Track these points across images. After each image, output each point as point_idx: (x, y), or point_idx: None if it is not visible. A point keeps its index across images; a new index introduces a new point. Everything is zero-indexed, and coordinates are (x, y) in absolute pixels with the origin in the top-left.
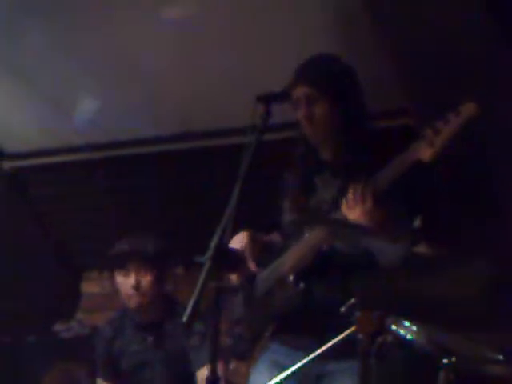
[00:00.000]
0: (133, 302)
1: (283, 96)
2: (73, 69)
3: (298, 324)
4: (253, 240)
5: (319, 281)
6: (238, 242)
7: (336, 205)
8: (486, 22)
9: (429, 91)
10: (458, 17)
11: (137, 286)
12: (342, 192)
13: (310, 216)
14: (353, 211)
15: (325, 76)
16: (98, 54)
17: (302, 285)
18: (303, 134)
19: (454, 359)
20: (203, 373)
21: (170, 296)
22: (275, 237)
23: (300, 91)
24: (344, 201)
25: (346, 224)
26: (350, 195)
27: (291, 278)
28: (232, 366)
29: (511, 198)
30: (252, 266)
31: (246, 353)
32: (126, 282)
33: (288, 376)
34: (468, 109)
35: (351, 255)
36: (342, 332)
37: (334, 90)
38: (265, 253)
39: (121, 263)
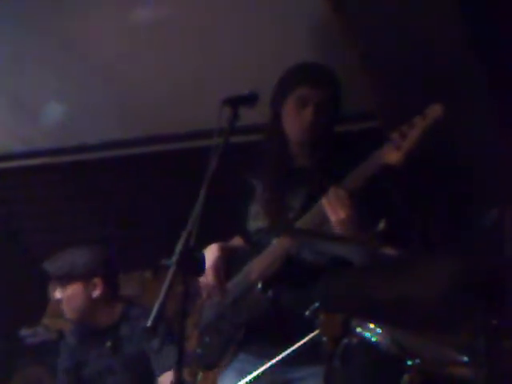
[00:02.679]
0: (64, 315)
1: (251, 99)
2: (39, 71)
3: (265, 333)
4: (223, 251)
5: (287, 289)
6: (211, 253)
7: (303, 212)
8: (458, 27)
9: (398, 94)
10: (431, 21)
11: (59, 301)
12: (309, 201)
13: (277, 225)
14: (335, 213)
15: (336, 84)
16: (63, 56)
17: (269, 293)
18: (283, 138)
19: (418, 361)
20: (166, 378)
21: (125, 299)
22: (237, 241)
23: (312, 93)
24: (326, 201)
25: (311, 232)
26: (332, 196)
27: (259, 286)
28: (200, 376)
29: (481, 196)
30: (223, 285)
31: (214, 362)
32: (57, 297)
33: (251, 381)
34: (433, 111)
35: (318, 263)
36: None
37: (339, 94)
38: (232, 261)
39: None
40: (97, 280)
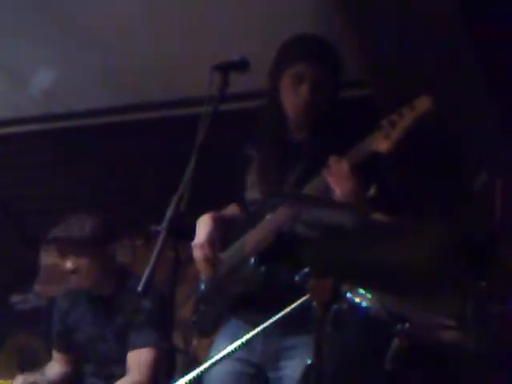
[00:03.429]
0: (74, 285)
1: (241, 65)
2: (27, 39)
3: (257, 302)
4: (217, 222)
5: (280, 263)
6: (204, 226)
7: (298, 187)
8: (457, 14)
9: (391, 62)
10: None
11: (74, 270)
12: (305, 176)
13: (270, 192)
14: (339, 185)
15: (335, 60)
16: (51, 25)
17: (262, 268)
18: (281, 111)
19: (407, 326)
20: (134, 355)
21: (122, 268)
22: (234, 210)
23: (309, 70)
24: (327, 172)
25: (302, 196)
26: (334, 169)
27: (252, 260)
28: (195, 342)
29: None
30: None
31: (210, 330)
32: (64, 265)
33: (241, 346)
34: (422, 103)
35: (312, 237)
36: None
37: (339, 68)
38: (228, 231)
39: (57, 248)
40: (109, 247)
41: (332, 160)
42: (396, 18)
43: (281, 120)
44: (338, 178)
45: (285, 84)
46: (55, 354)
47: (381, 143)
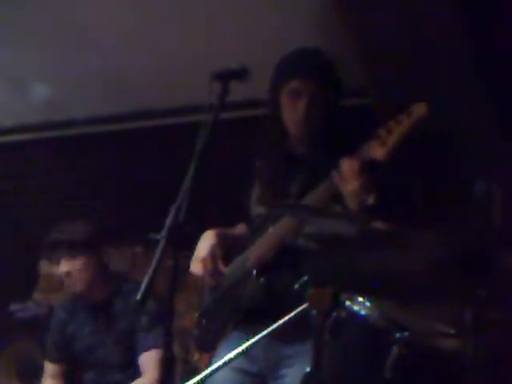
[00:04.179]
0: (67, 287)
1: (241, 73)
2: (27, 46)
3: (260, 316)
4: (220, 238)
5: (282, 275)
6: (207, 240)
7: (301, 199)
8: (453, 16)
9: (389, 73)
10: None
11: (68, 273)
12: (308, 186)
13: (272, 203)
14: (349, 184)
15: (332, 73)
16: (51, 32)
17: (262, 279)
18: (282, 126)
19: (406, 334)
20: (147, 358)
21: (119, 274)
22: (242, 228)
23: (304, 86)
24: (337, 174)
25: (302, 207)
26: (345, 167)
27: (254, 272)
28: (196, 356)
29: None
30: (221, 267)
31: (210, 346)
32: (58, 270)
33: (240, 354)
34: (419, 109)
35: (313, 250)
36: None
37: (337, 92)
38: (233, 248)
39: (51, 253)
40: (103, 251)
41: (343, 160)
42: (396, 27)
43: (282, 133)
44: (347, 176)
45: (283, 100)
46: (49, 366)
47: (377, 151)
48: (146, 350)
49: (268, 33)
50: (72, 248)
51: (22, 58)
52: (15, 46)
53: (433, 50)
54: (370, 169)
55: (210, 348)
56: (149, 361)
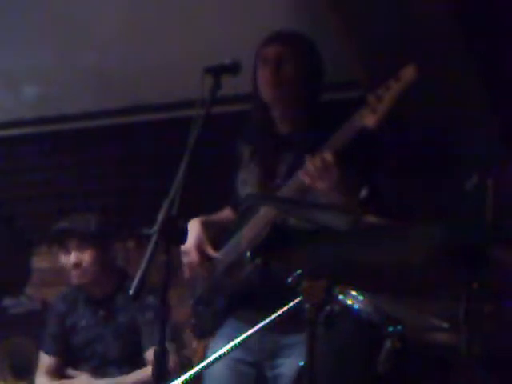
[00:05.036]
0: (75, 280)
1: (233, 68)
2: (19, 42)
3: (254, 300)
4: (205, 225)
5: (275, 256)
6: (192, 230)
7: (289, 179)
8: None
9: (381, 63)
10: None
11: (76, 264)
12: (296, 166)
13: (263, 194)
14: (320, 181)
15: (299, 37)
16: (46, 27)
17: (257, 261)
18: (262, 103)
19: (400, 327)
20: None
21: (121, 270)
22: (228, 213)
23: (271, 50)
24: (304, 173)
25: (294, 201)
26: (310, 166)
27: (248, 254)
28: (194, 344)
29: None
30: (210, 252)
31: (209, 332)
32: (67, 260)
33: (236, 346)
34: (407, 73)
35: (304, 229)
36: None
37: (305, 50)
38: (221, 233)
39: (61, 241)
40: (112, 246)
41: (308, 158)
42: (394, 18)
43: (264, 113)
44: (314, 175)
45: (258, 73)
46: (44, 359)
47: (368, 118)
48: (154, 345)
49: (261, 28)
50: (83, 239)
51: (14, 53)
52: (8, 42)
53: (429, 43)
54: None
55: (207, 334)
56: None
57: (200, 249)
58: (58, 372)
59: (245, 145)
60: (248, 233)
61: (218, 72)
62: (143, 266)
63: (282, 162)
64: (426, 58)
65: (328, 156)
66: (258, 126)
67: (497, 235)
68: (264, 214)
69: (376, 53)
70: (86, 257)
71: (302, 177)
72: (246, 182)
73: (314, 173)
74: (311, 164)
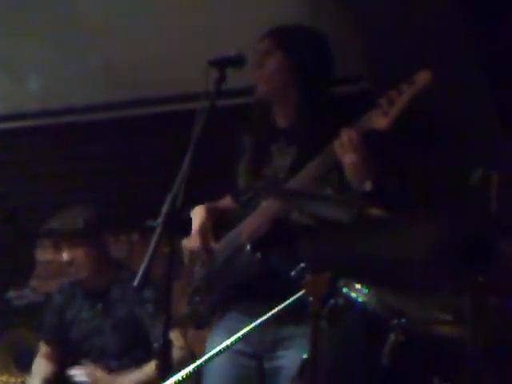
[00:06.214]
0: (71, 276)
1: (238, 60)
2: (26, 34)
3: (254, 292)
4: (209, 212)
5: (276, 250)
6: (197, 216)
7: (292, 173)
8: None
9: (387, 57)
10: None
11: (70, 262)
12: (299, 160)
13: (265, 186)
14: (348, 155)
15: (289, 31)
16: (50, 20)
17: (258, 254)
18: (259, 97)
19: (404, 320)
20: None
21: (116, 261)
22: (228, 201)
23: (259, 46)
24: (338, 144)
25: (297, 193)
26: (344, 138)
27: (248, 247)
28: (190, 334)
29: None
30: (211, 242)
31: (205, 322)
32: (59, 257)
33: (238, 340)
34: (421, 78)
35: (307, 224)
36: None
37: (288, 42)
38: (222, 222)
39: (52, 241)
40: (103, 238)
41: (343, 130)
42: (396, 14)
43: (264, 107)
44: (346, 147)
45: None
46: (44, 347)
47: (379, 120)
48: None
49: (266, 21)
50: (73, 238)
51: (20, 45)
52: (14, 35)
53: (433, 37)
54: (370, 141)
55: (204, 324)
56: None
57: (203, 235)
58: (56, 359)
59: (247, 137)
60: (249, 225)
61: (222, 64)
62: (147, 258)
63: (283, 156)
64: (427, 51)
65: (352, 134)
66: (257, 120)
67: (502, 227)
68: (266, 207)
69: (379, 47)
70: (79, 254)
71: (336, 148)
72: (248, 174)
73: (347, 145)
74: (346, 136)
